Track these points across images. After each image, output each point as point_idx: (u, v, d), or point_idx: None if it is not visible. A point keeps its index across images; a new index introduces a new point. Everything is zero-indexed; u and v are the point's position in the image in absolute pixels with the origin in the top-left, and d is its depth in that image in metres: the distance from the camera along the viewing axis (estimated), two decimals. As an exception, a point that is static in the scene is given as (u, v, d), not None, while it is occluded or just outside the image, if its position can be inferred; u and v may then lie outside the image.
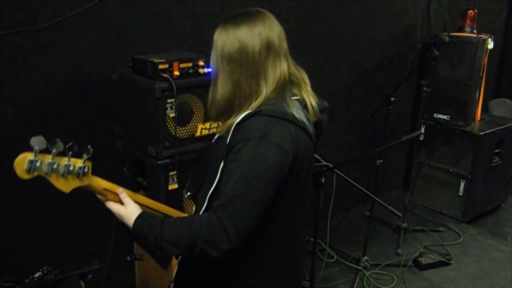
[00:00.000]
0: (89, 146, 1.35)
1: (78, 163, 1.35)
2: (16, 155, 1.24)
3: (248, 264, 1.46)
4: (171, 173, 2.20)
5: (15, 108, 2.28)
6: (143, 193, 2.32)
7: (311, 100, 1.49)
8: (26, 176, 1.27)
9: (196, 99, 2.22)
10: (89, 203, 2.35)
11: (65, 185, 1.34)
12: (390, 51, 4.01)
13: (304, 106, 1.48)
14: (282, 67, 1.44)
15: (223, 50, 1.41)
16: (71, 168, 1.33)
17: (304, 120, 1.44)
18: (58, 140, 1.28)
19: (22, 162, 1.26)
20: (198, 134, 2.26)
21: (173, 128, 2.15)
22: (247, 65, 1.40)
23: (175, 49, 2.60)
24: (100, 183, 1.44)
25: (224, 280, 1.48)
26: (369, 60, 3.91)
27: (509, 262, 3.51)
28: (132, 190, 1.53)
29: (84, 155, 1.35)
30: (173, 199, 2.20)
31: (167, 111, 2.11)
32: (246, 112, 1.38)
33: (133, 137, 2.38)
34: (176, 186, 2.23)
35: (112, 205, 1.47)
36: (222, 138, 1.47)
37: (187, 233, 1.32)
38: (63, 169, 1.32)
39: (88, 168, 1.38)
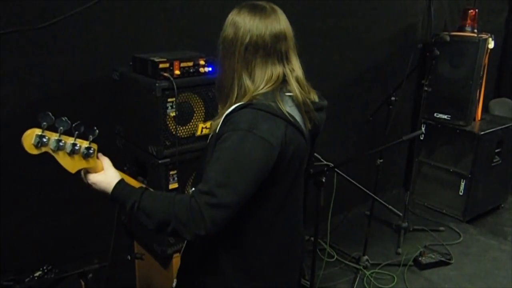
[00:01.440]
0: (95, 127, 1.35)
1: (84, 144, 1.36)
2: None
3: (239, 260, 1.46)
4: (171, 172, 2.20)
5: (15, 107, 2.28)
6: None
7: (305, 98, 1.46)
8: (34, 151, 1.27)
9: (197, 98, 2.22)
10: (89, 202, 2.37)
11: (71, 165, 1.35)
12: (390, 50, 4.01)
13: (298, 104, 1.45)
14: (274, 69, 1.41)
15: (223, 32, 1.43)
16: (77, 147, 1.34)
17: (297, 117, 1.43)
18: (65, 118, 1.28)
19: (30, 136, 1.26)
20: (198, 133, 2.25)
21: (174, 127, 2.15)
22: (234, 56, 1.40)
23: (176, 48, 2.59)
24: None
25: (221, 276, 1.47)
26: (370, 60, 3.90)
27: (509, 262, 3.51)
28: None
29: (90, 136, 1.36)
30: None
31: (168, 110, 2.11)
32: (237, 104, 1.38)
33: (133, 136, 2.38)
34: (176, 185, 2.22)
35: (92, 176, 1.42)
36: (215, 131, 1.47)
37: (165, 210, 1.32)
38: (69, 147, 1.32)
39: (94, 150, 1.38)
